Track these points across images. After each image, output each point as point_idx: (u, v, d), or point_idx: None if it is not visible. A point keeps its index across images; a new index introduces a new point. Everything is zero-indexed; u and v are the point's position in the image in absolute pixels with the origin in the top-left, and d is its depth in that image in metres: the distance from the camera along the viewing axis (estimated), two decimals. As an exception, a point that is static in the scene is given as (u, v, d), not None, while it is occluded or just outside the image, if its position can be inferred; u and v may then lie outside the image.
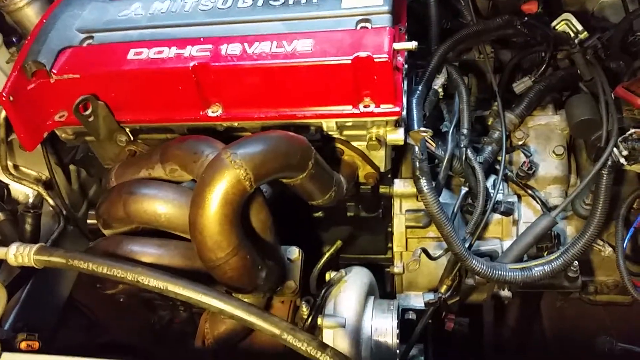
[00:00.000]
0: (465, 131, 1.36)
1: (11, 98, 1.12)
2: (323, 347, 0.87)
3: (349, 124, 1.14)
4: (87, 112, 1.13)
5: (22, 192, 1.49)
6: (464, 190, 1.37)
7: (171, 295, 0.89)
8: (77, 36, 1.21)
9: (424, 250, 1.32)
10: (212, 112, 1.14)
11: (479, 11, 1.67)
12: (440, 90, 1.41)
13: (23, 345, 0.96)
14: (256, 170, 0.93)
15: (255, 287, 1.05)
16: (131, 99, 1.16)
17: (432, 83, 1.40)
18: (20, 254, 0.94)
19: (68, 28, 1.22)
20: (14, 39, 1.42)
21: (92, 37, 1.20)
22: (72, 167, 1.49)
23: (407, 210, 1.40)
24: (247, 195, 0.95)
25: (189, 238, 1.06)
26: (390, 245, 1.54)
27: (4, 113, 1.34)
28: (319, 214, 1.50)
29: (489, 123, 1.53)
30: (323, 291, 1.20)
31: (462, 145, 1.34)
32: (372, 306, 1.25)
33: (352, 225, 1.53)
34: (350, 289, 1.23)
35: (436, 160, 1.35)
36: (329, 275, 1.25)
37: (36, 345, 0.96)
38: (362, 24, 1.10)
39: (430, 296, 1.38)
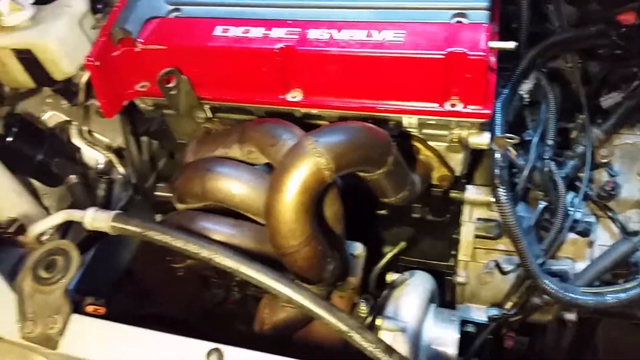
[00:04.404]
0: (550, 142, 1.29)
1: (97, 63, 1.13)
2: (390, 351, 0.84)
3: (432, 122, 1.09)
4: (171, 85, 1.13)
5: (93, 157, 1.52)
6: (542, 204, 1.30)
7: (242, 276, 0.87)
8: (165, 7, 1.21)
9: (497, 263, 1.26)
10: (292, 97, 1.11)
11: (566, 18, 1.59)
12: (526, 96, 1.34)
13: (90, 309, 0.97)
14: (337, 161, 0.90)
15: (321, 279, 1.02)
16: (213, 76, 1.15)
17: (517, 88, 1.33)
18: (97, 219, 0.94)
19: (156, -1, 1.22)
20: (99, 6, 1.44)
21: (179, 10, 1.20)
22: (143, 138, 1.50)
23: (477, 219, 1.34)
24: (325, 184, 0.92)
25: (259, 221, 1.05)
26: (453, 252, 1.49)
27: (85, 78, 1.36)
28: (383, 211, 1.45)
29: (572, 136, 1.45)
30: (385, 292, 1.16)
31: (546, 157, 1.26)
32: (432, 314, 1.20)
33: (416, 227, 1.48)
34: (412, 294, 1.18)
35: (513, 170, 1.29)
36: (390, 276, 1.21)
37: (102, 310, 0.97)
38: (458, 19, 1.05)
39: (494, 311, 1.32)
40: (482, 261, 1.36)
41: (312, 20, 1.09)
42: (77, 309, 0.96)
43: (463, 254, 1.36)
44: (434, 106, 1.05)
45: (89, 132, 1.49)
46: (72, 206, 1.39)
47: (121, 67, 1.18)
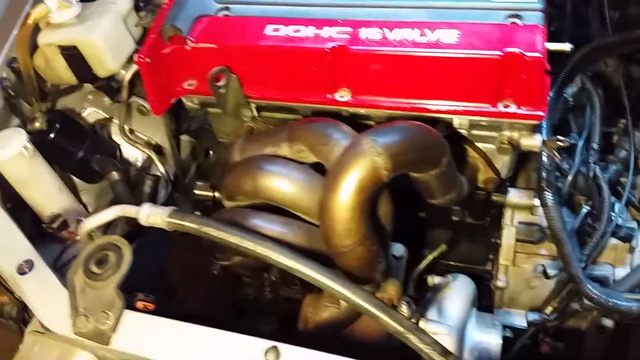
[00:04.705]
0: (595, 146, 1.27)
1: (148, 60, 1.14)
2: (447, 353, 0.83)
3: (483, 123, 1.08)
4: (220, 83, 1.13)
5: (132, 155, 1.53)
6: (586, 209, 1.28)
7: (297, 274, 0.87)
8: (214, 5, 1.21)
9: (544, 268, 1.25)
10: (340, 96, 1.11)
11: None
12: (571, 99, 1.33)
13: (140, 305, 0.97)
14: (394, 160, 0.90)
15: (371, 279, 1.02)
16: (262, 74, 1.15)
17: (563, 91, 1.32)
18: (153, 215, 0.95)
19: (205, -3, 1.22)
20: (141, 4, 1.45)
21: (227, 9, 1.20)
22: (183, 136, 1.51)
23: (519, 223, 1.33)
24: (381, 184, 0.92)
25: (308, 219, 1.04)
26: (491, 256, 1.47)
27: (128, 75, 1.37)
28: (422, 213, 1.45)
29: (614, 141, 1.44)
30: (428, 295, 1.16)
31: (591, 162, 1.25)
32: (475, 318, 1.19)
33: (455, 230, 1.47)
34: (456, 297, 1.17)
35: (556, 174, 1.28)
36: (431, 279, 1.20)
37: (151, 306, 0.97)
38: (512, 20, 1.04)
39: (535, 316, 1.31)
40: (522, 265, 1.35)
41: (363, 20, 1.09)
42: (128, 305, 0.96)
43: (504, 258, 1.35)
44: (486, 107, 1.04)
45: (130, 129, 1.49)
46: (113, 203, 1.41)
47: (170, 64, 1.18)
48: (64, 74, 1.41)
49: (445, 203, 1.14)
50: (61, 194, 1.38)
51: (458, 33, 1.02)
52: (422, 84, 1.05)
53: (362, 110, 1.13)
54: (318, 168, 1.07)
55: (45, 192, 1.35)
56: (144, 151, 1.49)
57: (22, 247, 1.07)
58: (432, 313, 1.15)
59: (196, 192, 1.30)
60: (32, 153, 1.28)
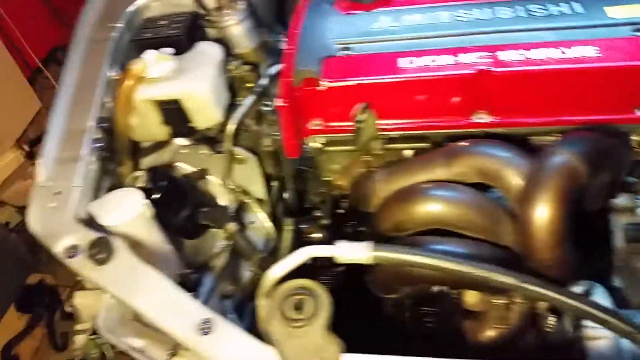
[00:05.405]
0: None
1: (285, 104, 1.14)
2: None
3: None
4: (360, 119, 1.14)
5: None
6: None
7: (523, 292, 0.88)
8: (334, 46, 1.23)
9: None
10: (479, 118, 1.15)
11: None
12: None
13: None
14: (591, 166, 0.94)
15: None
16: (396, 106, 1.17)
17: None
18: (351, 251, 0.92)
19: (323, 39, 1.24)
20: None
21: (348, 48, 1.22)
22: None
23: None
24: (579, 194, 0.95)
25: (481, 238, 1.06)
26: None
27: (232, 126, 1.36)
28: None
29: None
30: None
31: None
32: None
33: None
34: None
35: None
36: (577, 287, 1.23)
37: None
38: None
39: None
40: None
41: (497, 44, 1.14)
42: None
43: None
44: (624, 114, 1.11)
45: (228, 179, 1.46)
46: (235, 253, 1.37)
47: (300, 106, 1.18)
48: (156, 129, 1.38)
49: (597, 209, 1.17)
50: (173, 254, 1.32)
51: (596, 48, 1.08)
52: (566, 98, 1.10)
53: (499, 130, 1.16)
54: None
55: (162, 252, 1.28)
56: (243, 200, 1.46)
57: (193, 307, 1.01)
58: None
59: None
60: (152, 212, 1.23)
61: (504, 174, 1.03)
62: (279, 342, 0.92)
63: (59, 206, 1.21)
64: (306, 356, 0.90)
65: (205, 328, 0.97)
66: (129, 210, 1.19)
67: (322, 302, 0.94)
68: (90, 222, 1.20)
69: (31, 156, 3.11)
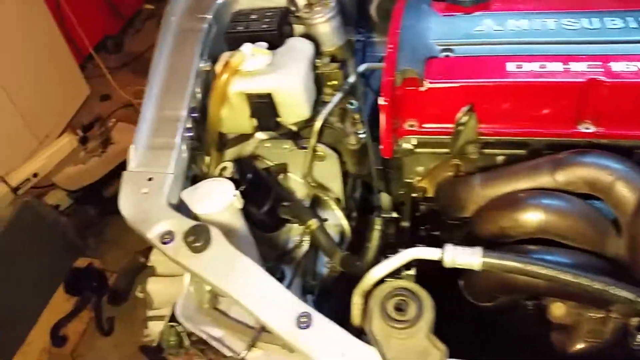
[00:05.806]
0: None
1: (386, 102, 1.13)
2: None
3: None
4: (463, 121, 1.13)
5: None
6: None
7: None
8: (436, 48, 1.22)
9: None
10: (585, 128, 1.13)
11: None
12: None
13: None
14: None
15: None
16: (499, 110, 1.15)
17: None
18: (461, 255, 0.91)
19: (423, 40, 1.23)
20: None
21: (451, 50, 1.21)
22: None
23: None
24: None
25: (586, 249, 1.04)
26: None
27: (320, 122, 1.36)
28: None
29: None
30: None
31: None
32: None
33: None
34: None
35: None
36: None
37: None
38: None
39: None
40: None
41: (609, 55, 1.11)
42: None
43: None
44: None
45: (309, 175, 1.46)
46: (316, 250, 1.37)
47: (399, 106, 1.17)
48: (244, 122, 1.38)
49: None
50: (254, 247, 1.33)
51: None
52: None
53: (603, 141, 1.14)
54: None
55: (246, 244, 1.29)
56: (322, 196, 1.45)
57: (291, 300, 1.01)
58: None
59: None
60: (241, 203, 1.23)
61: (617, 187, 1.01)
62: (380, 342, 0.90)
63: (152, 192, 1.22)
64: (409, 357, 0.89)
65: (303, 322, 0.96)
66: (220, 200, 1.19)
67: (426, 305, 0.93)
68: (179, 210, 1.20)
69: (84, 141, 3.15)
